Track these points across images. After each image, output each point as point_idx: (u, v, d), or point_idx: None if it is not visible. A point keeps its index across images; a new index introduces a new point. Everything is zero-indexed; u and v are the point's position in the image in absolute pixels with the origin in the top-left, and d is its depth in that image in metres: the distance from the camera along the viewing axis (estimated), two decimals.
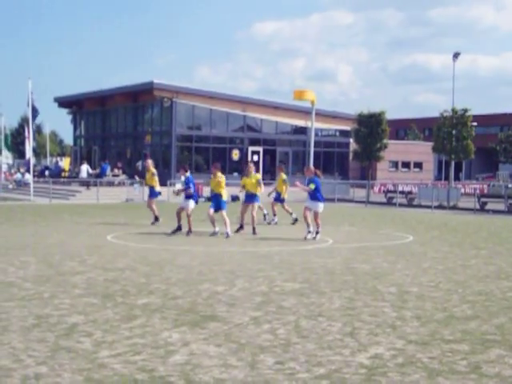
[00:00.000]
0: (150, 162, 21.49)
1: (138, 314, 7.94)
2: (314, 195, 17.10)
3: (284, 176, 22.05)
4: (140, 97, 50.24)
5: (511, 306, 8.83)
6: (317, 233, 17.02)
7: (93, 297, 8.98)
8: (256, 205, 18.66)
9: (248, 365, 6.01)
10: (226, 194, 17.95)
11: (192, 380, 5.56)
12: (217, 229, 17.37)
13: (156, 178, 20.82)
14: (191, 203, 17.88)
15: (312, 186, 16.99)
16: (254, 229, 17.91)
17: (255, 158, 50.16)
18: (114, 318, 7.71)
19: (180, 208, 18.00)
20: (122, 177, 43.65)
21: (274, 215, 21.52)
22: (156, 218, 20.15)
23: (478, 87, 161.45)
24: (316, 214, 17.05)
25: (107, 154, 53.78)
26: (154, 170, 20.92)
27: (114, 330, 7.15)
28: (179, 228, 17.81)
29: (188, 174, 18.24)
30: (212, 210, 17.58)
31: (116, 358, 6.14)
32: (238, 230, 18.15)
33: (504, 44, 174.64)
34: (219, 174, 17.89)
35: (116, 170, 45.01)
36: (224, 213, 17.49)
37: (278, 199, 21.72)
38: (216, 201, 17.71)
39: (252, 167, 19.30)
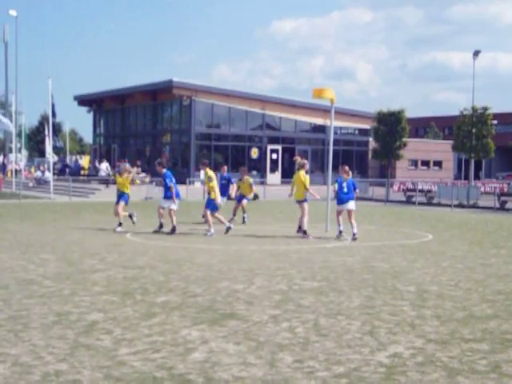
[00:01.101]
0: (127, 166, 19.84)
1: (158, 312, 7.98)
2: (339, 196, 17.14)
3: (251, 180, 21.68)
4: (159, 95, 50.41)
5: None
6: (340, 232, 16.89)
7: (112, 294, 9.03)
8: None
9: (267, 363, 6.01)
10: (214, 194, 17.35)
11: (211, 378, 5.58)
12: (227, 224, 17.59)
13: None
14: (174, 205, 17.55)
15: (335, 186, 17.18)
16: (304, 231, 17.07)
17: (274, 156, 50.16)
18: (134, 316, 7.75)
19: (160, 206, 17.92)
20: (142, 175, 43.80)
21: (234, 215, 20.66)
22: (161, 226, 18.02)
23: (499, 85, 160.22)
24: (349, 213, 16.94)
25: (126, 152, 54.02)
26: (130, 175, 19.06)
27: (133, 328, 7.18)
28: (161, 226, 17.78)
29: (164, 170, 17.78)
30: (205, 211, 17.54)
31: (135, 355, 6.17)
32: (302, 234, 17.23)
33: None
34: (207, 170, 17.71)
35: (135, 169, 45.17)
36: (208, 212, 17.32)
37: (240, 199, 21.23)
38: (207, 200, 17.68)
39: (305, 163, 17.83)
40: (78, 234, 16.86)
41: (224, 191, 20.41)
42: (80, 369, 5.74)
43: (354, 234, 16.60)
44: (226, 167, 22.04)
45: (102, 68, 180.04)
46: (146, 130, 53.25)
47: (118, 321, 7.50)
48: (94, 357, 6.09)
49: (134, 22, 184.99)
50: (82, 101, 59.63)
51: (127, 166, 20.11)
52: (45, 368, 5.75)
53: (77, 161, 63.41)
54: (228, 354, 6.25)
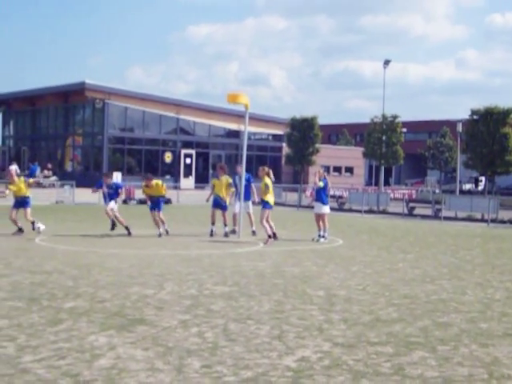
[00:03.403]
0: (14, 168, 19.23)
1: (65, 318, 7.81)
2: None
3: (230, 180, 18.94)
4: (71, 97, 49.51)
5: (435, 308, 9.05)
6: (321, 236, 17.96)
7: (18, 300, 8.78)
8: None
9: (175, 368, 5.98)
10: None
11: None
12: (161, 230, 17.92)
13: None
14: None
15: (321, 184, 18.04)
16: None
17: (188, 160, 50.00)
18: (40, 322, 7.56)
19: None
20: (52, 178, 42.85)
21: (213, 224, 18.49)
22: (20, 229, 17.78)
23: (408, 94, 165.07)
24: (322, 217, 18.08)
25: (37, 154, 52.74)
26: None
27: (38, 334, 7.01)
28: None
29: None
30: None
31: (40, 362, 6.02)
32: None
33: (433, 53, 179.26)
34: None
35: (46, 172, 44.18)
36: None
37: (221, 205, 18.72)
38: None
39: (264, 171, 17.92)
40: None
41: (249, 193, 19.24)
42: None
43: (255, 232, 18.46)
44: (240, 167, 19.44)
45: (11, 68, 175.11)
46: (58, 132, 52.17)
47: (22, 327, 7.30)
48: None
49: (45, 21, 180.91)
50: None
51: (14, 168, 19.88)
52: None
53: None
54: (135, 360, 6.18)
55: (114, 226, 18.14)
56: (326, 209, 18.24)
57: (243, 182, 19.14)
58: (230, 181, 19.01)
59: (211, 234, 18.21)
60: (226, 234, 18.24)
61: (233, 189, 18.99)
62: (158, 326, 7.58)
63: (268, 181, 17.46)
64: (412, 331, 7.67)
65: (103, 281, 10.52)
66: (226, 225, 18.47)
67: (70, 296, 9.20)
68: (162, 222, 18.13)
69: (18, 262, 12.34)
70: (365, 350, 6.78)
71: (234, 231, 18.74)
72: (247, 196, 19.23)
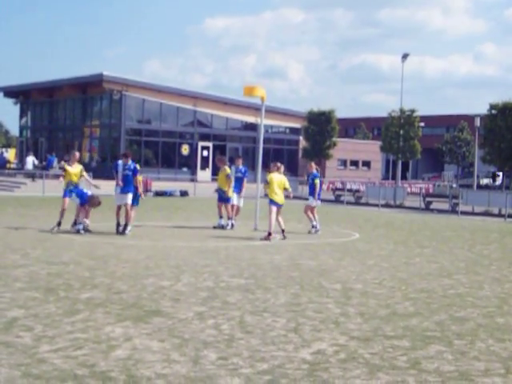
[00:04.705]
0: (77, 154, 18.50)
1: (81, 309, 7.84)
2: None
3: (228, 170, 19.03)
4: (89, 89, 49.62)
5: (452, 303, 9.00)
6: (313, 227, 18.42)
7: (35, 291, 8.82)
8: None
9: (191, 360, 5.98)
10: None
11: (133, 375, 5.51)
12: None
13: None
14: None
15: (317, 181, 18.81)
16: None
17: (205, 153, 50.02)
18: (56, 313, 7.59)
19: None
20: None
21: (221, 217, 18.77)
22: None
23: (426, 88, 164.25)
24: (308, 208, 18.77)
25: (54, 145, 52.95)
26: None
27: (55, 325, 7.03)
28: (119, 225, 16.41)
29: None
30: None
31: (56, 352, 6.04)
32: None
33: (451, 47, 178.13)
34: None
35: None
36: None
37: (223, 198, 18.90)
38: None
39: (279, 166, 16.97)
40: (1, 229, 16.43)
41: (239, 185, 19.04)
42: None
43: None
44: (240, 159, 19.95)
45: (29, 59, 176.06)
46: (75, 123, 52.34)
47: (39, 317, 7.33)
48: (13, 354, 5.93)
49: (63, 13, 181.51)
50: (9, 92, 58.15)
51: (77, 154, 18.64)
52: None
53: (2, 154, 61.73)
54: (151, 351, 6.19)
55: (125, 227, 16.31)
56: (313, 202, 18.85)
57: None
58: (228, 171, 19.03)
59: (228, 227, 18.47)
60: (221, 226, 18.46)
61: (231, 179, 18.94)
62: (174, 317, 7.59)
63: (269, 177, 16.53)
64: (428, 325, 7.63)
65: (120, 272, 10.55)
66: (221, 217, 18.65)
67: (87, 287, 9.23)
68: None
69: (35, 253, 12.40)
70: (381, 343, 6.76)
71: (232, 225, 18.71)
72: (237, 188, 19.01)
